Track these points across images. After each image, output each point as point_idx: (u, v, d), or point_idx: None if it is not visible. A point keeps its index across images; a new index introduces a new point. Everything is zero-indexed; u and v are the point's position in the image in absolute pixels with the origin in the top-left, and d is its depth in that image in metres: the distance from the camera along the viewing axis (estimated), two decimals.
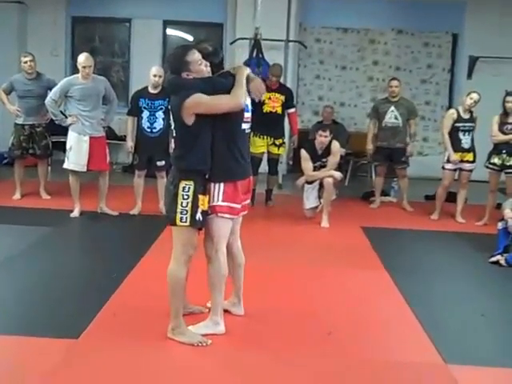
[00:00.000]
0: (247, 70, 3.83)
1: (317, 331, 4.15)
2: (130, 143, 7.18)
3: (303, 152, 7.43)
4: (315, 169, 7.37)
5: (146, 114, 7.02)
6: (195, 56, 3.67)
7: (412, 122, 8.44)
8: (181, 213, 3.68)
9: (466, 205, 7.94)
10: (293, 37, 10.45)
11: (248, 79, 3.82)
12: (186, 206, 3.68)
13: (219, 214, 3.82)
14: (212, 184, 3.79)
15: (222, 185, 3.79)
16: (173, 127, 3.76)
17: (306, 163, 7.39)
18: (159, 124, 6.98)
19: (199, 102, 3.59)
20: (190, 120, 3.62)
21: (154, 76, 6.96)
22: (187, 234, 3.75)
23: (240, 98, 3.68)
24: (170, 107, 3.77)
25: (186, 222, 3.69)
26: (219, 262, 3.87)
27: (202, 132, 3.67)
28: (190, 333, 3.87)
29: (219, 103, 3.64)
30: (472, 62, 10.97)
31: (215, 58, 3.80)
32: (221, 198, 3.79)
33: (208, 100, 3.61)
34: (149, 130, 7.03)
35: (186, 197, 3.68)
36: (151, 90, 7.04)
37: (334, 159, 7.35)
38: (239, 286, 4.27)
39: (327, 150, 7.33)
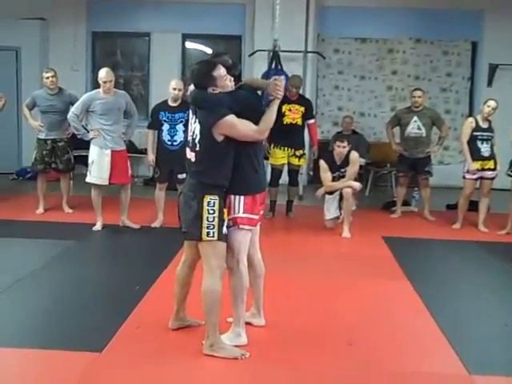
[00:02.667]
0: (276, 103, 3.83)
1: (338, 342, 4.14)
2: (151, 156, 7.22)
3: (322, 162, 7.43)
4: (334, 179, 7.36)
5: (166, 127, 7.06)
6: (221, 71, 3.70)
7: (443, 129, 8.41)
8: (207, 227, 3.67)
9: (489, 214, 7.88)
10: (311, 48, 10.48)
11: (264, 85, 3.92)
12: (213, 221, 3.67)
13: (240, 226, 3.83)
14: (232, 196, 3.81)
15: (242, 197, 3.82)
16: (197, 141, 3.74)
17: (325, 174, 7.39)
18: (180, 137, 7.00)
19: (233, 127, 3.65)
20: (220, 137, 3.66)
21: (174, 89, 6.99)
22: (219, 247, 3.75)
23: (265, 134, 3.83)
24: (198, 121, 3.73)
25: (213, 236, 3.69)
26: (241, 274, 3.88)
27: (230, 148, 3.71)
28: (229, 347, 3.85)
29: (248, 134, 3.73)
30: (492, 69, 10.92)
31: (235, 70, 3.84)
32: (241, 209, 3.82)
33: (240, 128, 3.67)
34: (169, 143, 7.07)
35: (211, 211, 3.67)
36: (171, 103, 7.08)
37: (352, 169, 7.33)
38: (259, 296, 4.27)
39: (346, 160, 7.32)
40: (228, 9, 10.98)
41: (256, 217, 3.91)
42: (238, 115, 3.68)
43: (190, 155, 3.82)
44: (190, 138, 3.84)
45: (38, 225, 7.34)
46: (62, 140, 7.88)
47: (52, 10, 10.98)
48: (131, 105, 7.32)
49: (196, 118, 3.76)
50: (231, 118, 3.64)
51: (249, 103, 3.78)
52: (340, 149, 7.28)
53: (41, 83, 8.16)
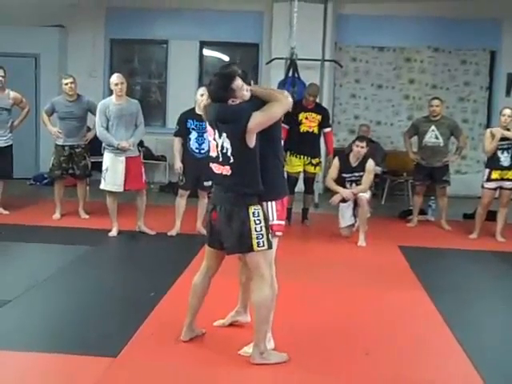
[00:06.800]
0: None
1: (355, 351, 4.11)
2: (178, 164, 7.10)
3: (335, 160, 7.45)
4: (346, 182, 7.35)
5: (194, 135, 6.99)
6: (239, 82, 3.69)
7: (461, 139, 8.36)
8: (257, 238, 3.69)
9: (506, 224, 7.81)
10: (328, 56, 10.48)
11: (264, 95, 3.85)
12: (261, 231, 3.69)
13: (276, 233, 3.87)
14: (264, 203, 3.79)
15: (273, 203, 3.83)
16: (229, 154, 3.68)
17: (333, 170, 7.42)
18: (207, 145, 6.90)
19: (259, 121, 3.62)
20: (252, 142, 3.64)
21: (202, 95, 6.77)
22: (270, 255, 3.79)
23: (286, 97, 3.77)
24: (226, 135, 3.69)
25: (263, 245, 3.71)
26: (273, 281, 3.89)
27: (257, 152, 3.69)
28: (275, 353, 3.90)
29: (274, 111, 3.69)
30: (510, 79, 10.88)
31: (246, 79, 3.84)
32: (275, 216, 3.84)
33: (264, 114, 3.65)
34: (197, 151, 7.01)
35: (257, 221, 3.69)
36: (198, 111, 6.92)
37: (367, 177, 7.30)
38: (247, 296, 4.23)
39: (362, 165, 7.30)
40: (245, 17, 11.02)
41: (283, 222, 3.94)
42: None
43: (223, 170, 3.75)
44: (216, 154, 3.76)
45: (54, 230, 7.38)
46: (80, 146, 7.92)
47: (71, 17, 11.07)
48: (140, 114, 7.26)
49: (221, 132, 3.72)
50: (255, 114, 3.61)
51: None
52: (358, 148, 7.24)
53: (59, 90, 8.22)
